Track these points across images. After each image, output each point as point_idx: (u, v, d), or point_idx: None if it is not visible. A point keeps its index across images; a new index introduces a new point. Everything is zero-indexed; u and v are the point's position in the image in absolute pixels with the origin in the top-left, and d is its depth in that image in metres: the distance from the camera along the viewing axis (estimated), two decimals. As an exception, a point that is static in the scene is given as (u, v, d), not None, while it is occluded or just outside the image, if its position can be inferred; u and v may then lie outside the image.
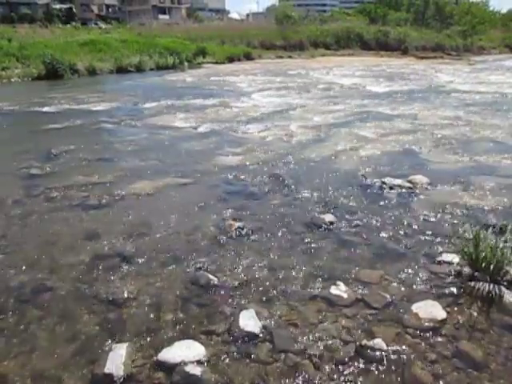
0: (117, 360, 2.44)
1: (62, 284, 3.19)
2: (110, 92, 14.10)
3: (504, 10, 62.82)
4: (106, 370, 2.39)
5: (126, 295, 3.05)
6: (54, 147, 6.82)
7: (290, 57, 29.56)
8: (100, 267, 3.41)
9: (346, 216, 4.34)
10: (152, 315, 2.86)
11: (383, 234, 3.96)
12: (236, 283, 3.18)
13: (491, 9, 53.69)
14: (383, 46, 35.58)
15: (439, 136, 7.75)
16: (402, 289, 3.11)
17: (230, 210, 4.47)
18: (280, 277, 3.27)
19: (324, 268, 3.38)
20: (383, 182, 5.24)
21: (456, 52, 37.50)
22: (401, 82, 16.90)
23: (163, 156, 6.57)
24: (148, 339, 2.64)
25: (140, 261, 3.51)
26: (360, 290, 3.09)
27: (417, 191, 5.05)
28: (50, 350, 2.58)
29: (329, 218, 4.23)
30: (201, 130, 8.34)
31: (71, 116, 9.48)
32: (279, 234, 3.97)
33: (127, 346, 2.56)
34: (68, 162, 6.20)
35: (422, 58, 32.51)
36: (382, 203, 4.72)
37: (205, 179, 5.52)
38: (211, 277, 3.23)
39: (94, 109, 10.56)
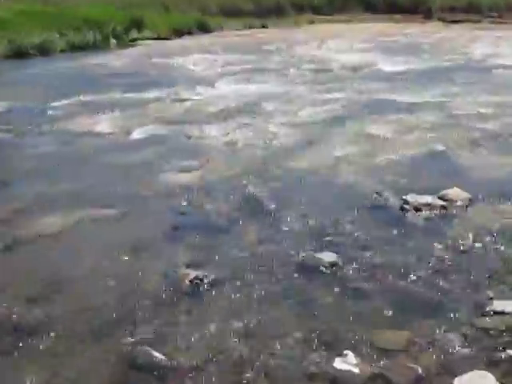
0: None
1: None
2: (2, 87, 13.95)
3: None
4: None
5: (28, 389, 2.95)
6: None
7: (263, 26, 30.00)
8: (-11, 348, 3.31)
9: (354, 253, 4.35)
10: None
11: (408, 277, 3.97)
12: (194, 362, 3.10)
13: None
14: (396, 7, 36.42)
15: (480, 131, 7.92)
16: (439, 356, 3.10)
17: (183, 253, 4.44)
18: (260, 348, 3.22)
19: (324, 331, 3.36)
20: (405, 201, 5.29)
21: (498, 13, 38.70)
22: (423, 57, 17.30)
23: (82, 176, 6.52)
24: None
25: (51, 334, 3.40)
26: (378, 362, 3.06)
27: (453, 212, 5.11)
28: None
29: (329, 257, 4.23)
30: (137, 135, 8.35)
31: None
32: (257, 284, 3.94)
33: None
34: None
35: (452, 21, 33.44)
36: (404, 232, 4.76)
37: (144, 208, 5.49)
38: (156, 354, 3.16)
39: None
